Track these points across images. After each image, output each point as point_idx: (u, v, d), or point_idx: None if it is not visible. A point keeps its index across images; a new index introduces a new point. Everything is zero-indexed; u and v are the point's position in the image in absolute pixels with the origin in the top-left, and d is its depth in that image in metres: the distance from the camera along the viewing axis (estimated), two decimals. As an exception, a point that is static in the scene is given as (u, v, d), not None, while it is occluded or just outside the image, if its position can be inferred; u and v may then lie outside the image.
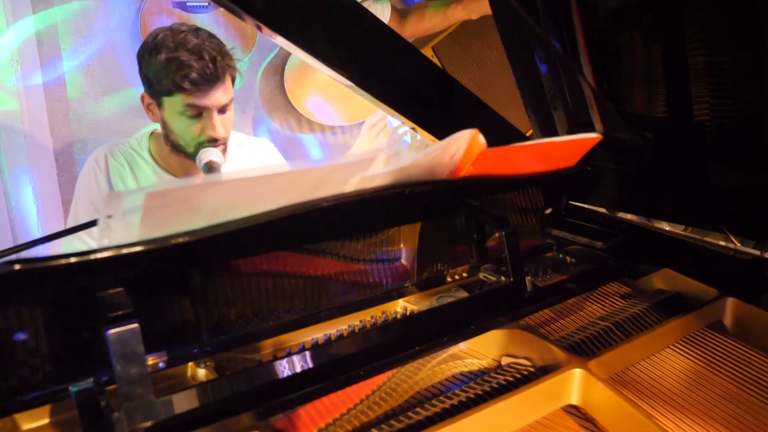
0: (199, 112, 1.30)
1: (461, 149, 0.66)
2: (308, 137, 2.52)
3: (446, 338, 0.76)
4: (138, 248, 0.49)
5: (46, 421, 0.67)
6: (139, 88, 1.39)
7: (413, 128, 1.13)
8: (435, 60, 2.09)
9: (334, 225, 0.75)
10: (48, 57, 1.98)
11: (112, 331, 0.57)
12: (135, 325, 0.58)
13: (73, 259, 0.48)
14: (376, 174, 0.59)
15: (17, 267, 0.46)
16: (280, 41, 0.90)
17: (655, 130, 1.04)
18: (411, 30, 2.06)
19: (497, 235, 0.89)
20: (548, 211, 0.98)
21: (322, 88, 2.36)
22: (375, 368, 0.71)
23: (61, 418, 0.68)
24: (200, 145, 1.33)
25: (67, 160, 2.11)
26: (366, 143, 2.62)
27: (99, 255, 0.48)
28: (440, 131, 1.09)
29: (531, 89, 1.17)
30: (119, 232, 0.48)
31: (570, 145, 0.77)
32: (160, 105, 1.34)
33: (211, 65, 1.26)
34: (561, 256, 1.13)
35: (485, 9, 1.82)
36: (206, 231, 0.51)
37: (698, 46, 0.95)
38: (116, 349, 0.57)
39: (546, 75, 1.11)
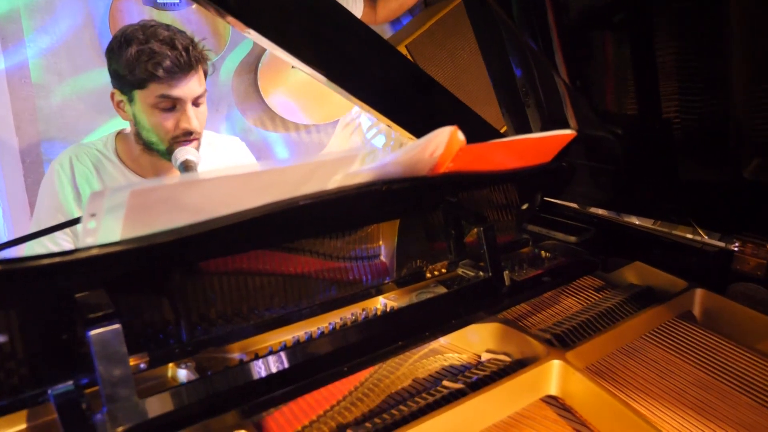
0: (172, 105, 1.28)
1: (441, 146, 0.67)
2: (282, 136, 2.50)
3: (427, 333, 0.77)
4: (120, 248, 0.49)
5: (23, 426, 0.66)
6: (107, 76, 1.34)
7: (389, 125, 1.14)
8: (409, 58, 2.10)
9: (318, 222, 0.75)
10: (10, 41, 1.91)
11: (94, 332, 0.56)
12: (117, 326, 0.57)
13: (56, 260, 0.47)
14: (358, 171, 0.59)
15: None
16: (256, 37, 0.90)
17: (626, 127, 1.07)
18: (383, 12, 2.05)
19: (475, 230, 0.90)
20: (524, 206, 1.00)
21: (296, 87, 2.35)
22: (356, 365, 0.71)
23: (39, 422, 0.67)
24: (174, 140, 1.30)
25: (33, 161, 2.06)
26: (340, 142, 2.62)
27: (83, 255, 0.47)
28: (416, 128, 1.09)
29: (505, 86, 1.18)
30: (103, 232, 0.47)
31: (546, 142, 0.78)
32: (131, 100, 1.30)
33: (184, 53, 1.24)
34: (536, 250, 1.15)
35: None
36: (190, 229, 0.50)
37: (667, 44, 0.98)
38: (98, 351, 0.57)
39: (519, 72, 1.13)
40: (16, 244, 0.87)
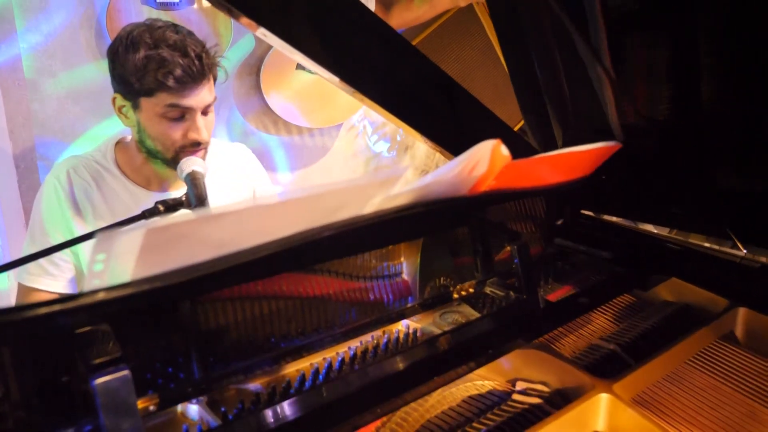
0: (181, 114, 1.19)
1: (483, 162, 0.60)
2: (285, 139, 2.43)
3: (465, 366, 0.70)
4: (131, 291, 0.42)
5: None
6: (102, 72, 1.23)
7: (401, 128, 1.07)
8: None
9: (350, 245, 0.68)
10: (1, 40, 1.83)
11: (99, 380, 0.49)
12: (126, 372, 0.51)
13: (58, 308, 0.40)
14: (398, 193, 0.53)
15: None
16: (270, 39, 0.83)
17: (661, 135, 1.00)
18: (397, 21, 1.98)
19: (507, 248, 0.84)
20: (560, 221, 0.94)
21: (300, 89, 2.27)
22: (388, 405, 0.65)
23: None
24: (181, 150, 1.22)
25: (28, 167, 1.98)
26: (344, 145, 2.55)
27: (88, 301, 0.40)
28: (432, 131, 1.03)
29: (525, 85, 1.12)
30: (111, 273, 0.41)
31: (590, 155, 0.72)
32: (136, 107, 1.21)
33: (197, 62, 1.16)
34: (561, 264, 1.08)
35: None
36: (210, 266, 0.44)
37: (711, 50, 0.92)
38: (104, 402, 0.50)
39: (542, 72, 1.06)
40: (11, 267, 0.80)
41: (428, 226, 0.75)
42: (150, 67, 1.13)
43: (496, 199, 0.70)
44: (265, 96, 2.24)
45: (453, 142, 0.98)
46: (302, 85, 2.26)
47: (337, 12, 0.81)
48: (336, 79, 0.91)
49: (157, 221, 0.38)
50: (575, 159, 0.70)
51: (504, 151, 0.61)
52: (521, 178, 0.65)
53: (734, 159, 0.99)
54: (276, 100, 2.25)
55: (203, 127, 1.20)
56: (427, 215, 0.58)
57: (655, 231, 1.17)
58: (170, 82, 1.13)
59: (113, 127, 1.99)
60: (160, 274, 0.41)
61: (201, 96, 1.18)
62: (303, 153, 2.50)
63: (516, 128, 1.66)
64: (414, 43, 2.19)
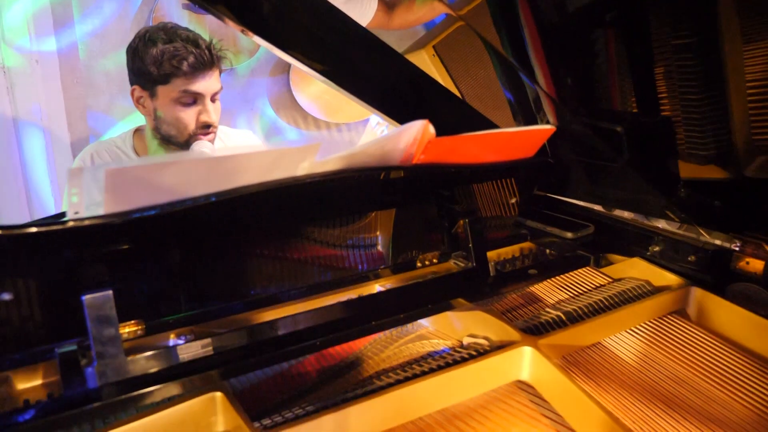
0: (193, 99, 1.38)
1: (411, 137, 0.71)
2: (314, 134, 2.59)
3: (403, 315, 0.82)
4: (101, 220, 0.56)
5: (39, 381, 0.75)
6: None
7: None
8: (436, 59, 2.12)
9: (290, 207, 0.81)
10: (61, 22, 2.06)
11: (88, 296, 0.64)
12: (109, 292, 0.65)
13: (46, 228, 0.55)
14: (327, 159, 0.65)
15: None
16: (265, 44, 0.97)
17: (626, 124, 1.08)
18: (399, 21, 2.08)
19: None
20: (513, 200, 1.03)
21: (327, 87, 2.42)
22: (329, 340, 0.77)
23: (52, 379, 0.75)
24: (193, 134, 1.41)
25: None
26: (370, 140, 2.67)
27: (66, 225, 0.54)
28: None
29: (514, 90, 1.21)
30: (86, 206, 0.55)
31: (523, 136, 0.81)
32: (153, 95, 1.41)
33: (207, 51, 1.35)
34: (538, 247, 1.17)
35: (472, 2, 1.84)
36: (168, 207, 0.57)
37: (665, 42, 0.99)
38: (91, 313, 0.64)
39: (526, 77, 1.15)
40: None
41: (366, 195, 0.87)
42: (166, 56, 1.33)
43: (433, 172, 0.80)
44: (294, 93, 2.40)
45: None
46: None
47: (318, 16, 0.93)
48: (330, 82, 1.04)
49: (116, 163, 0.52)
50: (505, 138, 0.80)
51: (431, 129, 0.73)
52: (450, 153, 0.75)
53: (696, 149, 1.06)
54: (304, 97, 2.41)
55: (212, 110, 1.38)
56: (363, 183, 0.70)
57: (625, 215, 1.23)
58: (184, 67, 1.32)
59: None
60: (121, 211, 0.55)
61: (210, 83, 1.37)
62: (332, 147, 2.65)
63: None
64: (435, 42, 2.25)
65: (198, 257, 0.86)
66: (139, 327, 0.77)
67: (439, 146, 0.73)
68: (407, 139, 0.71)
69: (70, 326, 0.72)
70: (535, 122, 1.19)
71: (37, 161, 2.15)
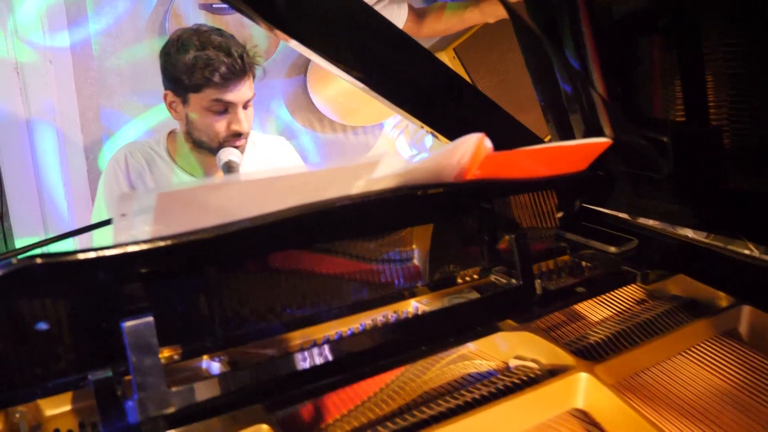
0: (225, 108, 1.35)
1: (468, 153, 0.67)
2: (330, 136, 2.55)
3: (453, 339, 0.77)
4: (149, 245, 0.52)
5: (67, 408, 0.71)
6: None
7: (430, 131, 1.14)
8: (456, 61, 2.09)
9: (342, 226, 0.77)
10: (75, 18, 2.02)
11: (128, 323, 0.60)
12: (149, 318, 0.61)
13: (90, 255, 0.50)
14: (382, 176, 0.61)
15: (39, 261, 0.49)
16: (294, 45, 0.92)
17: (673, 135, 1.03)
18: (427, 30, 2.05)
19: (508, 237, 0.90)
20: (559, 215, 0.99)
21: (344, 89, 2.38)
22: (381, 366, 0.73)
23: (82, 405, 0.71)
24: (224, 141, 1.37)
25: (96, 158, 2.18)
26: (387, 143, 2.63)
27: (113, 251, 0.50)
28: (452, 133, 1.10)
29: (548, 95, 1.17)
30: (133, 231, 0.50)
31: (578, 150, 0.77)
32: (185, 102, 1.38)
33: (239, 60, 1.31)
34: (576, 260, 1.13)
35: (501, 13, 1.81)
36: (214, 230, 0.53)
37: (716, 49, 0.94)
38: (131, 341, 0.60)
39: (562, 80, 1.11)
40: (75, 234, 0.94)
41: (418, 211, 0.83)
42: (198, 65, 1.28)
43: (489, 189, 0.76)
44: (311, 95, 2.36)
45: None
46: (346, 85, 2.36)
47: (353, 17, 0.89)
48: (360, 84, 1.00)
49: (168, 186, 0.48)
50: (563, 153, 0.76)
51: (487, 143, 0.68)
52: (507, 169, 0.71)
53: (747, 160, 1.01)
54: (321, 99, 2.37)
55: (244, 119, 1.34)
56: (417, 200, 0.66)
57: (671, 230, 1.19)
58: (216, 78, 1.27)
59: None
60: (173, 234, 0.51)
61: (242, 91, 1.33)
62: (347, 150, 2.61)
63: (546, 139, 1.69)
64: (455, 44, 2.23)
65: (232, 276, 0.81)
66: (176, 352, 0.73)
67: (496, 161, 0.68)
68: (462, 154, 0.67)
69: (101, 352, 0.68)
70: (568, 127, 1.15)
71: (50, 163, 2.12)
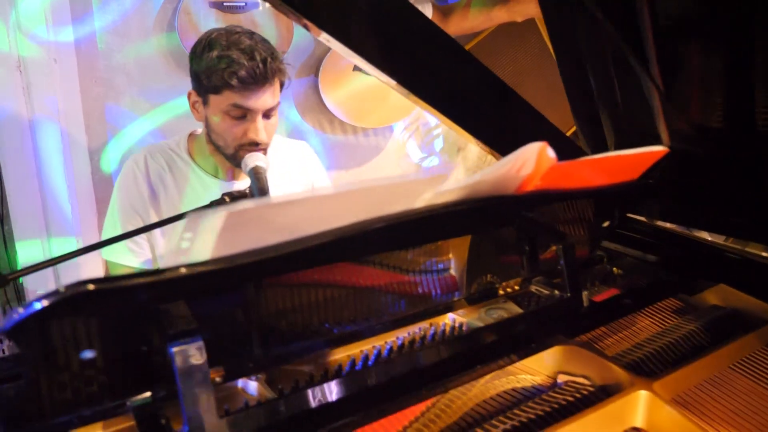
0: (243, 114, 1.28)
1: (530, 163, 0.64)
2: (340, 138, 2.50)
3: (508, 356, 0.74)
4: (210, 267, 0.48)
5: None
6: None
7: (456, 131, 1.11)
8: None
9: (402, 238, 0.73)
10: (79, 13, 1.96)
11: (177, 348, 0.56)
12: (200, 342, 0.57)
13: (150, 279, 0.46)
14: (448, 189, 0.57)
15: (91, 287, 0.45)
16: (333, 44, 0.89)
17: (713, 140, 1.00)
18: (453, 29, 2.01)
19: (553, 247, 0.87)
20: (606, 224, 0.96)
21: (355, 91, 2.34)
22: (432, 389, 0.69)
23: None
24: (240, 148, 1.31)
25: (101, 159, 2.13)
26: (398, 146, 2.60)
27: (172, 275, 0.46)
28: (487, 136, 1.07)
29: (578, 92, 1.14)
30: (194, 251, 0.47)
31: (636, 159, 0.74)
32: (205, 103, 1.32)
33: (261, 65, 1.24)
34: (609, 267, 1.10)
35: (529, 12, 1.77)
36: (280, 249, 0.49)
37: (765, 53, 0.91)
38: (180, 367, 0.56)
39: (595, 78, 1.08)
40: (99, 247, 0.89)
41: (476, 223, 0.79)
42: (219, 66, 1.23)
43: (543, 199, 0.73)
44: (322, 96, 2.31)
45: (503, 144, 1.01)
46: (358, 86, 2.33)
47: (396, 17, 0.85)
48: (393, 82, 0.96)
49: (236, 205, 0.44)
50: (621, 162, 0.73)
51: (550, 153, 0.65)
52: (566, 179, 0.68)
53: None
54: (333, 100, 2.33)
55: (262, 128, 1.28)
56: (475, 212, 0.62)
57: (707, 237, 1.16)
58: (234, 82, 1.22)
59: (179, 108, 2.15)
60: (234, 254, 0.47)
61: (263, 99, 1.27)
62: (357, 152, 2.57)
63: (568, 133, 1.67)
64: (469, 45, 2.21)
65: (269, 291, 0.77)
66: (218, 374, 0.68)
67: (558, 171, 0.65)
68: (523, 163, 0.64)
69: (138, 377, 0.64)
70: (599, 128, 1.13)
71: (54, 165, 2.06)
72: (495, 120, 1.02)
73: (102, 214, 2.18)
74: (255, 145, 1.30)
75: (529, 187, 0.66)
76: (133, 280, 0.46)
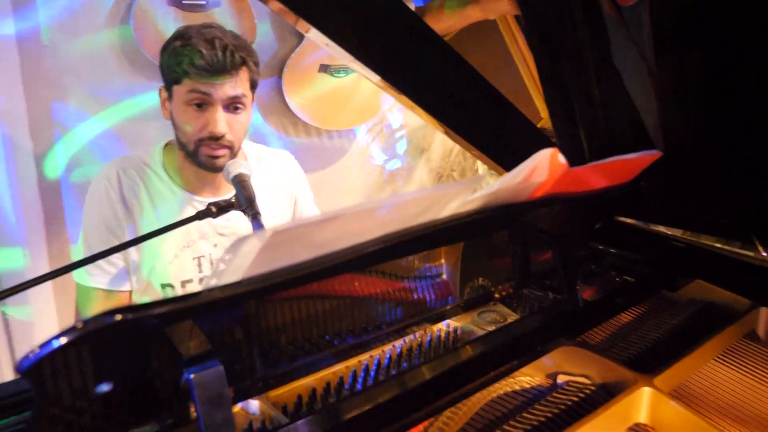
0: (201, 101, 1.23)
1: (543, 169, 0.64)
2: (304, 141, 2.46)
3: (513, 362, 0.74)
4: (242, 289, 0.45)
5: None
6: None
7: (447, 134, 1.11)
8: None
9: (416, 246, 0.72)
10: (20, 3, 1.82)
11: (196, 374, 0.53)
12: (219, 367, 0.54)
13: (185, 304, 0.43)
14: (471, 199, 0.56)
15: (119, 317, 0.41)
16: (331, 47, 0.86)
17: (685, 142, 1.04)
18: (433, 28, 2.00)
19: (547, 249, 0.87)
20: (597, 225, 0.98)
21: (320, 92, 2.30)
22: (439, 404, 0.68)
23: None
24: (201, 143, 1.25)
25: (48, 164, 1.99)
26: (362, 148, 2.58)
27: (210, 298, 0.43)
28: (476, 136, 1.07)
29: (555, 92, 1.15)
30: (228, 273, 0.44)
31: (632, 163, 0.76)
32: (170, 97, 1.27)
33: (220, 53, 1.19)
34: (594, 267, 1.12)
35: (503, 9, 1.78)
36: (314, 264, 0.47)
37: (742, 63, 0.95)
38: (201, 394, 0.53)
39: (574, 78, 1.10)
40: (74, 268, 0.83)
41: (492, 228, 0.79)
42: (181, 54, 1.20)
43: (551, 203, 0.73)
44: (286, 97, 2.26)
45: (489, 144, 1.02)
46: (323, 87, 2.29)
47: (387, 16, 0.84)
48: (382, 82, 0.95)
49: (281, 225, 0.41)
50: (620, 166, 0.74)
51: (561, 159, 0.65)
52: (575, 184, 0.68)
53: (759, 166, 1.03)
54: (296, 102, 2.28)
55: (222, 120, 1.24)
56: (492, 219, 0.62)
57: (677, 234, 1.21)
58: (191, 69, 1.19)
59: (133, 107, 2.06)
60: (273, 271, 0.44)
61: (223, 88, 1.23)
62: (322, 154, 2.52)
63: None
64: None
65: (268, 305, 0.75)
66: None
67: (568, 177, 0.65)
68: (533, 168, 0.64)
69: (143, 406, 0.60)
70: (574, 128, 1.15)
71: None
72: (479, 119, 1.02)
73: (50, 223, 2.05)
74: (216, 140, 1.25)
75: (540, 193, 0.67)
76: (161, 307, 0.43)
